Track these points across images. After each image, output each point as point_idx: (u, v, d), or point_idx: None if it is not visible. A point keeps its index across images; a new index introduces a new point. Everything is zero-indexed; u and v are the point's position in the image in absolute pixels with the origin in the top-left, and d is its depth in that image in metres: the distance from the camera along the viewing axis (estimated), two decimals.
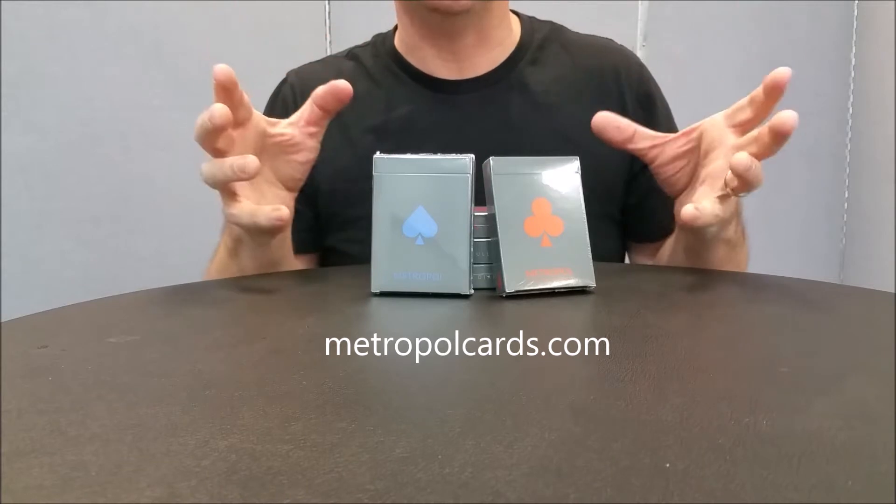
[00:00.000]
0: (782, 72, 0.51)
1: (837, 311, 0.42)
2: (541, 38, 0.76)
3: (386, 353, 0.33)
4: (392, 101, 0.73)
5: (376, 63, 0.76)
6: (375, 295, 0.46)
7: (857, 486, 0.19)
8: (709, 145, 0.54)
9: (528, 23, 0.78)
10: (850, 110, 1.83)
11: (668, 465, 0.20)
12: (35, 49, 1.47)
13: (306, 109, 0.55)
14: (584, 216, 0.48)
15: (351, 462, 0.20)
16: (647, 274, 0.56)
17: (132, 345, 0.34)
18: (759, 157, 0.50)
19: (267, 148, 0.55)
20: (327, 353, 0.32)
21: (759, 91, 0.52)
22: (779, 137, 0.49)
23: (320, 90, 0.54)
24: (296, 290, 0.50)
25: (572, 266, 0.46)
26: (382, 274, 0.46)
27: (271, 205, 0.52)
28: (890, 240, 1.67)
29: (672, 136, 0.57)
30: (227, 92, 0.50)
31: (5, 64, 1.45)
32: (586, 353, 0.34)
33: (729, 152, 0.52)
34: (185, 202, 1.54)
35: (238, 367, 0.30)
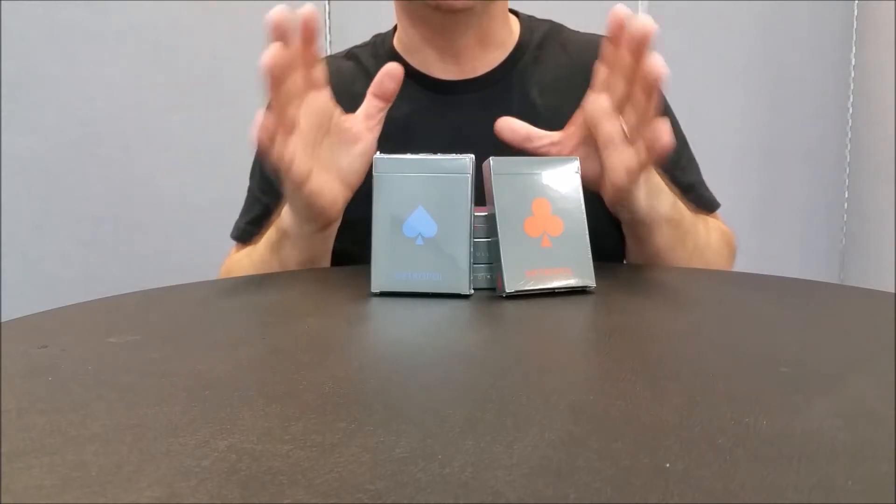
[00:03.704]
0: (620, 13, 0.49)
1: (837, 311, 0.42)
2: (540, 38, 0.76)
3: (386, 353, 0.33)
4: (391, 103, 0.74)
5: (376, 63, 0.76)
6: (375, 295, 0.46)
7: (857, 486, 0.19)
8: (592, 120, 0.54)
9: (526, 22, 0.78)
10: (850, 110, 1.83)
11: (668, 465, 0.20)
12: (35, 49, 1.47)
13: (365, 103, 0.57)
14: (584, 216, 0.48)
15: (351, 462, 0.20)
16: (647, 274, 0.56)
17: (132, 345, 0.34)
18: (630, 88, 0.51)
19: (330, 133, 0.55)
20: (327, 353, 0.32)
21: (607, 46, 0.52)
22: (637, 47, 0.48)
23: (375, 80, 0.56)
24: (296, 290, 0.50)
25: (572, 266, 0.46)
26: (382, 274, 0.46)
27: (319, 178, 0.53)
28: (890, 240, 1.67)
29: (566, 132, 0.58)
30: (309, 40, 0.50)
31: (5, 64, 1.45)
32: (586, 353, 0.34)
33: (608, 112, 0.53)
34: (185, 202, 1.54)
35: (238, 367, 0.30)
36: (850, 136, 1.84)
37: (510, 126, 0.58)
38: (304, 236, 0.58)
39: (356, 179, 0.58)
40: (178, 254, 1.51)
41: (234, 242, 0.80)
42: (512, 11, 0.79)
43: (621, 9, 0.50)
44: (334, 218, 0.58)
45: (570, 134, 0.58)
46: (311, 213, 0.56)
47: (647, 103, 0.50)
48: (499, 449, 0.21)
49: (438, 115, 0.73)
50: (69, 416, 0.24)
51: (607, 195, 0.58)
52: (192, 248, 1.49)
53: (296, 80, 0.51)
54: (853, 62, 1.82)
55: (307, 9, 0.49)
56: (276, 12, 0.47)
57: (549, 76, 0.74)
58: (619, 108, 0.53)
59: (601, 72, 0.54)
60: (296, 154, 0.51)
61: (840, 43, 1.82)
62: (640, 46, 0.48)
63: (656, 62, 0.48)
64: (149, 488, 0.19)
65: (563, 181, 0.48)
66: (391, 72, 0.55)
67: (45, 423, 0.24)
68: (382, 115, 0.57)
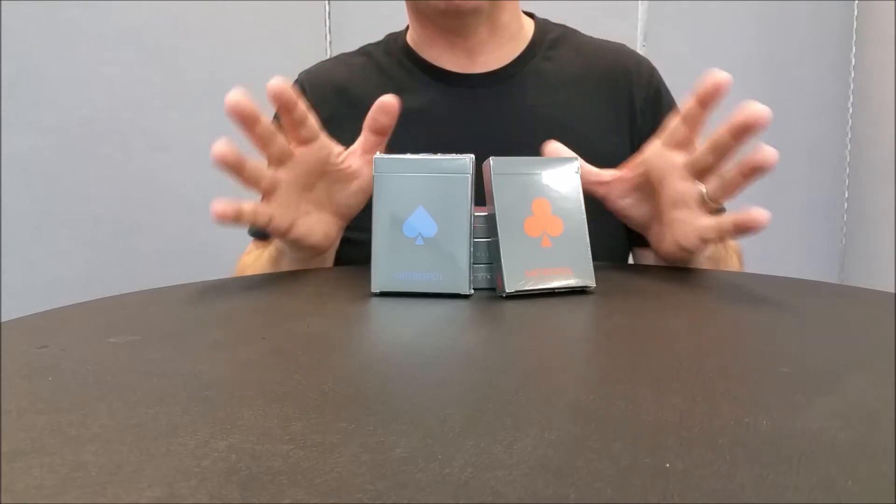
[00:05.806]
0: (720, 77, 0.47)
1: (837, 311, 0.42)
2: (553, 38, 0.78)
3: (386, 353, 0.33)
4: (404, 94, 0.74)
5: (388, 58, 0.77)
6: (375, 295, 0.46)
7: (857, 486, 0.19)
8: (659, 174, 0.53)
9: (541, 23, 0.80)
10: (850, 110, 1.83)
11: (668, 465, 0.20)
12: (35, 49, 1.47)
13: (361, 139, 0.56)
14: (584, 216, 0.48)
15: (351, 462, 0.20)
16: (647, 274, 0.56)
17: (132, 345, 0.34)
18: (719, 163, 0.49)
19: (327, 174, 0.55)
20: (327, 353, 0.32)
21: (691, 103, 0.50)
22: (743, 132, 0.46)
23: (369, 115, 0.54)
24: (296, 290, 0.50)
25: (572, 266, 0.46)
26: (382, 274, 0.46)
27: (304, 221, 0.54)
28: (890, 240, 1.67)
29: (618, 173, 0.56)
30: (285, 109, 0.50)
31: (5, 64, 1.45)
32: (586, 352, 0.34)
33: (682, 172, 0.51)
34: (185, 202, 1.54)
35: (238, 367, 0.30)
36: (850, 136, 1.84)
37: (559, 154, 0.57)
38: (298, 259, 0.59)
39: (353, 212, 0.58)
40: (178, 254, 1.51)
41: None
42: (528, 14, 0.80)
43: (721, 75, 0.47)
44: (328, 248, 0.59)
45: (621, 178, 0.56)
46: (302, 249, 0.57)
47: (744, 184, 0.47)
48: (499, 449, 0.21)
49: (451, 107, 0.73)
50: (69, 416, 0.24)
51: (664, 249, 0.55)
52: (192, 248, 1.49)
53: (281, 142, 0.51)
54: (853, 62, 1.82)
55: (274, 83, 0.48)
56: (232, 98, 0.47)
57: (562, 75, 0.75)
58: (699, 175, 0.50)
59: (673, 124, 0.52)
60: (273, 215, 0.52)
61: (840, 43, 1.82)
62: (747, 131, 0.46)
63: (769, 154, 0.44)
64: (149, 488, 0.19)
65: (563, 181, 0.48)
66: (385, 107, 0.53)
67: (45, 423, 0.24)
68: (380, 148, 0.56)
